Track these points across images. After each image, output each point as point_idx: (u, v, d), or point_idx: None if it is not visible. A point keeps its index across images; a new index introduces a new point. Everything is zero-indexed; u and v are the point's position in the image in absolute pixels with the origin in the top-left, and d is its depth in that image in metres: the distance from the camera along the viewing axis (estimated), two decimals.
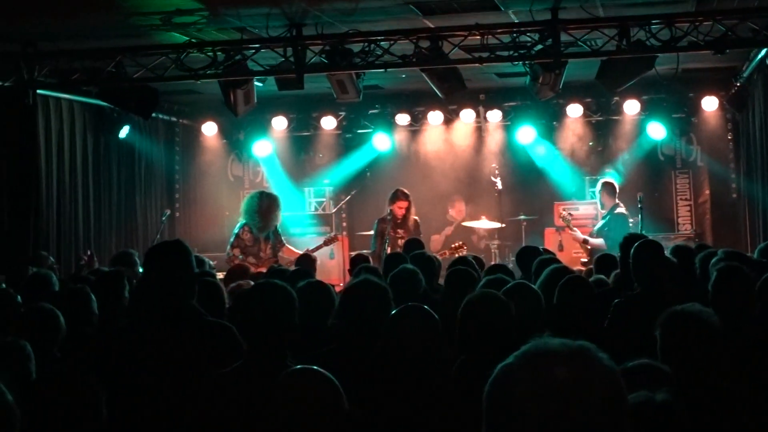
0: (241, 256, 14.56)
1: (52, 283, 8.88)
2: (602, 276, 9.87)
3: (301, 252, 14.57)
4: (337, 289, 8.95)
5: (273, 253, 14.83)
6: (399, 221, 15.32)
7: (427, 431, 5.27)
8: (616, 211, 15.68)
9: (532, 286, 7.25)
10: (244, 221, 14.75)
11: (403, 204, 15.32)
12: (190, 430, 5.26)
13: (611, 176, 17.10)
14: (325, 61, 12.38)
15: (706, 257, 8.75)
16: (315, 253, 13.33)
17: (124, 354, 5.84)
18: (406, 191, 15.55)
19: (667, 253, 9.25)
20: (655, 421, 3.56)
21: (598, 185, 16.29)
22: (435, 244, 18.03)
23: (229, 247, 14.76)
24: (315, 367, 4.22)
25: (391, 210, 15.31)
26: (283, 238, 15.22)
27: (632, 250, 8.08)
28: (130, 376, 5.71)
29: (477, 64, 12.73)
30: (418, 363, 5.44)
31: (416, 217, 15.80)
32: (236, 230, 14.80)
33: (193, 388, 5.24)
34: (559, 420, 2.23)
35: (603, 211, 16.05)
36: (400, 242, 14.68)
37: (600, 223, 15.93)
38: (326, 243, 15.28)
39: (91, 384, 4.28)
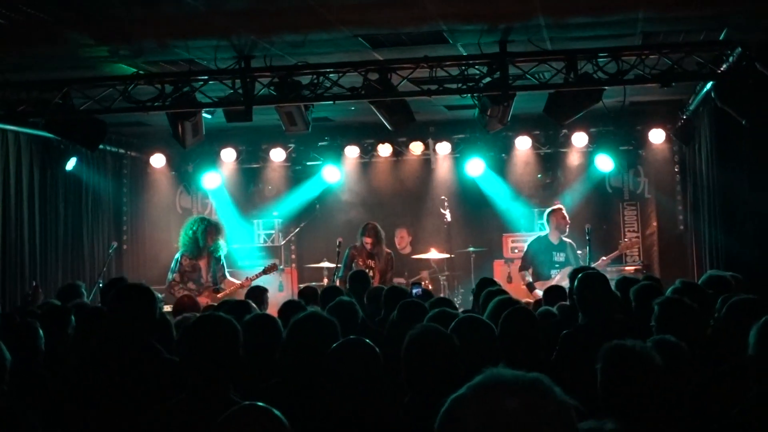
0: (181, 283, 14.66)
1: None
2: (550, 308, 9.88)
3: (239, 282, 14.66)
4: None
5: (214, 281, 14.87)
6: (370, 252, 15.40)
7: None
8: (569, 242, 15.71)
9: (482, 318, 7.22)
10: (182, 248, 14.96)
11: (368, 240, 15.41)
12: None
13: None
14: (274, 93, 12.34)
15: (641, 289, 8.72)
16: (265, 285, 13.25)
17: (72, 389, 5.79)
18: (375, 227, 15.60)
19: (613, 284, 9.32)
20: None
21: (555, 213, 15.94)
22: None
23: (170, 272, 14.89)
24: (261, 404, 4.15)
25: (361, 241, 15.42)
26: (226, 270, 15.26)
27: (576, 282, 8.12)
28: (77, 411, 5.65)
29: (426, 97, 12.77)
30: (358, 397, 5.37)
31: (389, 251, 15.92)
32: (177, 256, 15.14)
33: (137, 422, 5.19)
34: None
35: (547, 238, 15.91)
36: (369, 273, 14.74)
37: (562, 259, 15.70)
38: (265, 271, 15.23)
39: (28, 419, 4.20)
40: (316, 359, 5.71)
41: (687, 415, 5.37)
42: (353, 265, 15.24)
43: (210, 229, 15.13)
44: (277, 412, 4.04)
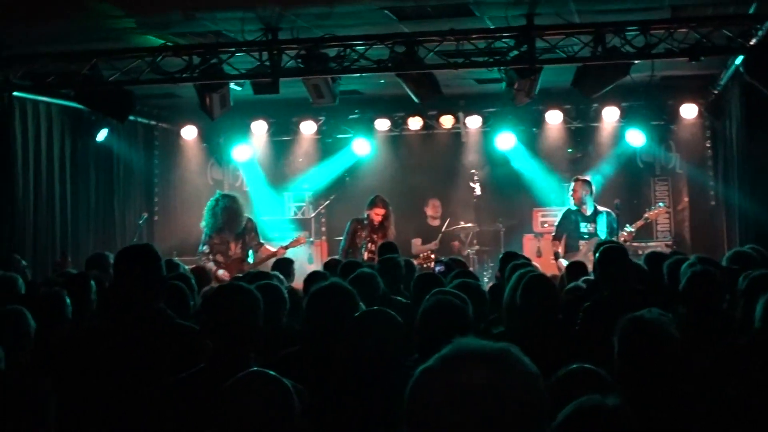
0: (210, 254, 14.68)
1: (17, 286, 8.78)
2: (578, 282, 9.86)
3: (274, 250, 14.63)
4: None
5: (243, 253, 14.84)
6: (376, 226, 15.24)
7: None
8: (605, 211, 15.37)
9: (477, 285, 7.20)
10: (205, 226, 14.96)
11: (380, 211, 15.21)
12: None
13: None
14: (301, 65, 12.35)
15: (674, 263, 8.78)
16: (293, 257, 13.21)
17: (86, 356, 5.83)
18: (385, 199, 15.44)
19: (641, 260, 9.34)
20: (607, 425, 3.54)
21: (578, 184, 15.40)
22: (414, 248, 17.97)
23: (200, 245, 14.93)
24: (267, 371, 4.17)
25: (368, 215, 15.26)
26: (260, 238, 15.20)
27: (597, 255, 8.16)
28: (91, 379, 5.69)
29: (454, 70, 12.73)
30: (378, 367, 5.39)
31: (393, 229, 15.64)
32: (206, 230, 15.03)
33: (155, 391, 5.22)
34: (477, 425, 2.21)
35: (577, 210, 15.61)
36: (371, 247, 14.68)
37: (592, 230, 15.43)
38: (291, 245, 15.17)
39: (40, 386, 4.22)
40: (334, 328, 5.74)
41: (700, 389, 5.36)
42: (356, 238, 15.16)
43: (232, 205, 15.08)
44: (285, 380, 4.06)
